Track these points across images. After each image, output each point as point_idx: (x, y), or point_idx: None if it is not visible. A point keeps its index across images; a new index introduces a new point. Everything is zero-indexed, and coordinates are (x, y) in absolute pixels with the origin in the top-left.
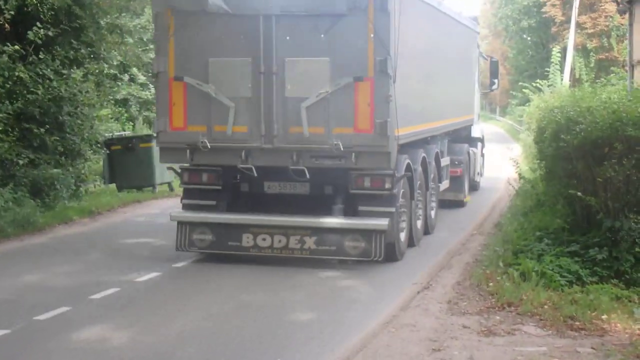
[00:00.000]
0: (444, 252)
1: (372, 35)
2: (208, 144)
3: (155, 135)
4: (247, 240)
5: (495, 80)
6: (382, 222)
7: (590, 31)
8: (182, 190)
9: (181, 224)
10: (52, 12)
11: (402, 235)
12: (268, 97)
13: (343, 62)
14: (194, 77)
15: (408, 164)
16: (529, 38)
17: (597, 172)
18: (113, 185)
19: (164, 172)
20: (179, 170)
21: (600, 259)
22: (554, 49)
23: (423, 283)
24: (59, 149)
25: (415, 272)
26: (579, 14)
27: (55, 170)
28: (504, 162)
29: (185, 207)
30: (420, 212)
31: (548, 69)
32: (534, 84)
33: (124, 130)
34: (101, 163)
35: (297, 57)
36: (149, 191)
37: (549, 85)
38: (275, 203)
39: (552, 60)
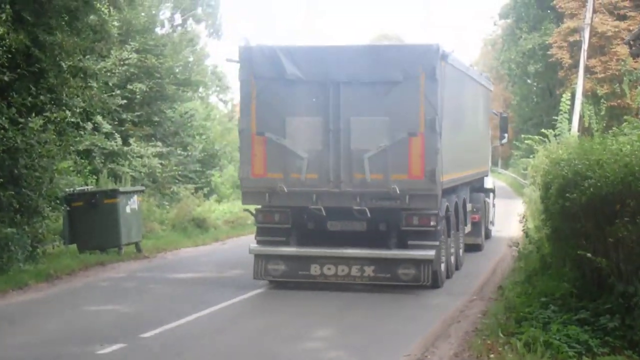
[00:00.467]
0: (440, 319)
1: (422, 98)
2: (285, 189)
3: (239, 180)
4: (314, 269)
5: (505, 135)
6: (430, 253)
7: (600, 76)
8: (256, 229)
9: (258, 256)
10: (9, 55)
11: (442, 266)
12: (336, 149)
13: (399, 121)
14: (273, 132)
15: (447, 206)
16: (534, 83)
17: (608, 231)
18: (74, 246)
19: (130, 231)
20: (254, 212)
21: (612, 328)
22: (563, 95)
23: (417, 355)
24: (13, 206)
25: (409, 340)
26: (588, 57)
27: (9, 229)
28: (506, 219)
29: (259, 243)
30: (453, 249)
31: (556, 117)
32: (541, 133)
33: (87, 185)
34: (61, 221)
35: (360, 117)
36: (114, 252)
37: (555, 135)
38: (336, 239)
39: (560, 107)
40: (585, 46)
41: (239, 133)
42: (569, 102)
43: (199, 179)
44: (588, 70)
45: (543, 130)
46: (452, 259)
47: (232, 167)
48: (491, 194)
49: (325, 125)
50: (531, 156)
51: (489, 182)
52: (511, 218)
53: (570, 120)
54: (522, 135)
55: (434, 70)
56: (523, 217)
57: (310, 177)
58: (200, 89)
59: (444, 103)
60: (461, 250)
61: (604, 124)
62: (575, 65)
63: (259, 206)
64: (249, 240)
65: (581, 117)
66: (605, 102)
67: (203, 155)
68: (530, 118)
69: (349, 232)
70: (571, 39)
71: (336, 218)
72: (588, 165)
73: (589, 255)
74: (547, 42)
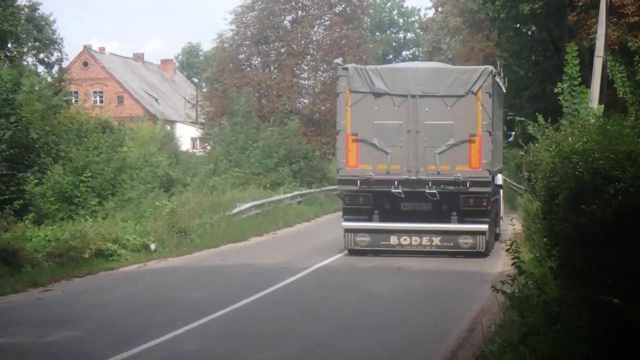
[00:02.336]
0: None
1: (480, 108)
2: (374, 177)
3: (337, 171)
4: (393, 240)
5: (512, 133)
6: (484, 227)
7: (634, 19)
8: (343, 210)
9: (348, 230)
10: None
11: (491, 238)
12: (413, 146)
13: (462, 125)
14: (364, 133)
15: (494, 191)
16: (529, 33)
17: None
18: None
19: None
20: (342, 196)
21: None
22: (568, 49)
23: None
24: None
25: None
26: None
27: None
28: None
29: (346, 221)
30: (495, 224)
31: (560, 88)
32: (541, 111)
33: None
34: None
35: (432, 121)
36: None
37: (564, 115)
38: (408, 217)
39: (565, 69)
40: None
41: (337, 133)
42: (576, 61)
43: (5, 187)
44: (614, 10)
45: (538, 114)
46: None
47: (60, 168)
48: (501, 190)
49: (406, 128)
50: (525, 148)
51: (499, 179)
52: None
53: (583, 91)
54: (513, 117)
55: (489, 87)
56: (513, 243)
57: (393, 167)
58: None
59: (494, 111)
60: (501, 226)
61: (638, 96)
62: (595, 6)
63: (342, 193)
64: (90, 285)
65: (604, 84)
66: None
67: (11, 150)
68: (526, 87)
69: (418, 212)
70: None
71: (409, 200)
72: (615, 161)
73: (616, 301)
74: None
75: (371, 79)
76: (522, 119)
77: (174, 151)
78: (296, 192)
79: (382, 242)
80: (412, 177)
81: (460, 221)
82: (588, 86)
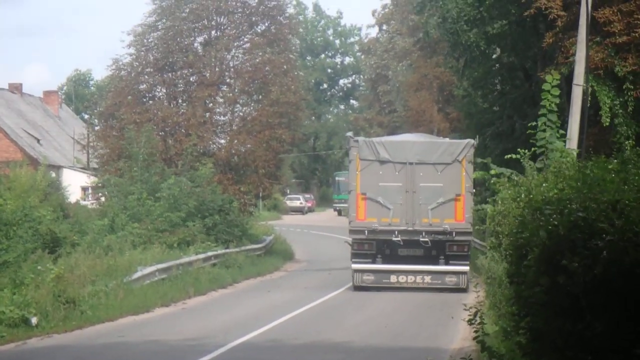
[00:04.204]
0: None
1: (464, 173)
2: (378, 227)
3: (349, 222)
4: (393, 279)
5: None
6: (465, 268)
7: (622, 40)
8: (351, 254)
9: (356, 271)
10: None
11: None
12: (411, 203)
13: (449, 187)
14: (371, 192)
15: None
16: (494, 56)
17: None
18: None
19: None
20: (350, 243)
21: None
22: (549, 79)
23: None
24: None
25: None
26: (599, 5)
27: None
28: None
29: (354, 263)
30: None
31: (535, 123)
32: (508, 153)
33: None
34: None
35: (426, 183)
36: None
37: (537, 154)
38: (404, 260)
39: (542, 102)
40: None
41: (349, 192)
42: (557, 92)
43: None
44: (598, 29)
45: (511, 155)
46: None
47: None
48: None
49: (404, 188)
50: (489, 199)
51: None
52: (456, 313)
53: (560, 126)
54: (476, 160)
55: (470, 156)
56: (476, 314)
57: (394, 220)
58: None
59: (472, 176)
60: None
61: (633, 129)
62: (574, 23)
63: (350, 240)
64: None
65: (585, 119)
66: (631, 87)
67: None
68: (491, 123)
69: (412, 256)
70: None
71: (405, 246)
72: (599, 212)
73: None
74: None
75: (377, 149)
76: (486, 160)
77: (60, 203)
78: (210, 253)
79: (384, 280)
80: (409, 228)
81: (447, 263)
82: (565, 120)
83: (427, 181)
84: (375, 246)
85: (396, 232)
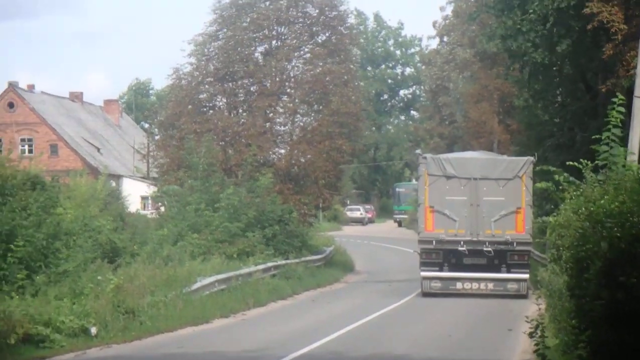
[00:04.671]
0: None
1: (524, 188)
2: (445, 238)
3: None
4: (459, 285)
5: None
6: (525, 276)
7: None
8: (419, 263)
9: (425, 278)
10: None
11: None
12: (475, 216)
13: (510, 200)
14: (438, 206)
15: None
16: (555, 69)
17: None
18: None
19: None
20: (419, 252)
21: None
22: (616, 98)
23: None
24: None
25: None
26: None
27: None
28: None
29: (423, 271)
30: None
31: (598, 136)
32: (568, 165)
33: None
34: None
35: (489, 197)
36: None
37: (599, 168)
38: (469, 268)
39: (610, 118)
40: None
41: (418, 206)
42: (623, 110)
43: None
44: None
45: (571, 162)
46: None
47: None
48: None
49: (469, 202)
50: (553, 213)
51: None
52: (518, 325)
53: (623, 140)
54: (537, 167)
55: (530, 172)
56: (537, 326)
57: (459, 231)
58: None
59: (532, 188)
60: None
61: None
62: (635, 35)
63: (418, 249)
64: None
65: None
66: None
67: None
68: (552, 134)
69: (476, 264)
70: None
71: (470, 256)
72: None
73: None
74: None
75: (444, 166)
76: (551, 167)
77: (120, 213)
78: (270, 264)
79: (450, 287)
80: (474, 239)
81: (508, 272)
82: (627, 133)
83: (490, 195)
84: (442, 255)
85: (461, 242)
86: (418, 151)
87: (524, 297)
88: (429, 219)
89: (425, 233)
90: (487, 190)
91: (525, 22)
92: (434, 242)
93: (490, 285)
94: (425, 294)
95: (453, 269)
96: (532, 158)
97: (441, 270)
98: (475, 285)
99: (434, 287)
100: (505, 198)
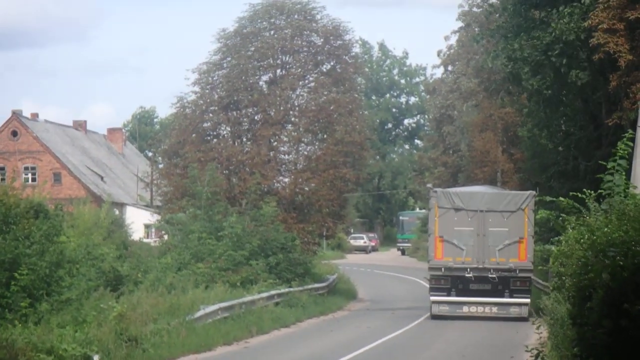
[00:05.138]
0: None
1: (526, 219)
2: (453, 265)
3: (428, 261)
4: (465, 309)
5: None
6: (527, 300)
7: None
8: (429, 288)
9: (434, 302)
10: None
11: None
12: (481, 245)
13: (514, 231)
14: (447, 235)
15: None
16: (562, 98)
17: None
18: None
19: None
20: (429, 279)
21: None
22: (627, 138)
23: None
24: None
25: None
26: None
27: None
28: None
29: (432, 296)
30: None
31: (603, 162)
32: (572, 196)
33: None
34: None
35: (494, 228)
36: None
37: (602, 196)
38: (474, 293)
39: (618, 149)
40: None
41: (428, 236)
42: (631, 143)
43: None
44: None
45: (574, 193)
46: None
47: None
48: None
49: (476, 232)
50: (553, 239)
51: None
52: (517, 354)
53: (628, 169)
54: (537, 198)
55: (532, 205)
56: (538, 355)
57: (467, 259)
58: None
59: (534, 219)
60: None
61: None
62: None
63: (428, 276)
64: None
65: None
66: None
67: None
68: (556, 163)
69: (481, 290)
70: (632, 14)
71: (476, 282)
72: None
73: None
74: (584, 25)
75: (453, 199)
76: (550, 197)
77: (123, 241)
78: (273, 292)
79: (457, 310)
80: (480, 266)
81: (511, 296)
82: (630, 164)
83: (495, 226)
84: (450, 281)
85: (468, 269)
86: (429, 185)
87: (525, 319)
88: (438, 248)
89: (435, 261)
90: (492, 222)
91: (528, 47)
92: (442, 269)
93: (495, 309)
94: (435, 317)
95: (460, 293)
96: (534, 192)
97: (449, 294)
98: (480, 308)
99: (442, 310)
100: (509, 229)
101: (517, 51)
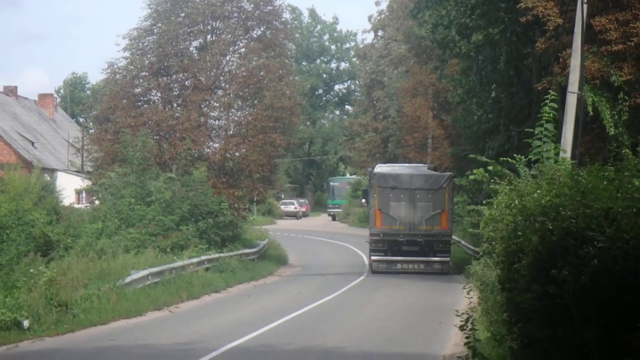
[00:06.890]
0: None
1: (447, 196)
2: (389, 232)
3: (369, 229)
4: (399, 266)
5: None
6: (447, 258)
7: (617, 47)
8: (369, 249)
9: (374, 261)
10: None
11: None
12: (412, 216)
13: (437, 204)
14: (385, 208)
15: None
16: (486, 65)
17: (630, 341)
18: None
19: None
20: (369, 242)
21: None
22: (550, 93)
23: None
24: None
25: None
26: (594, 14)
27: None
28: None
29: (372, 256)
30: None
31: (531, 129)
32: (502, 161)
33: None
34: None
35: (421, 203)
36: None
37: (531, 163)
38: (406, 253)
39: (542, 113)
40: None
41: (369, 209)
42: (556, 105)
43: None
44: (594, 37)
45: (506, 159)
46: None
47: None
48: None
49: (407, 206)
50: (484, 201)
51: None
52: (446, 319)
53: (555, 136)
54: (471, 157)
55: (451, 184)
56: (468, 319)
57: (400, 227)
58: None
59: (452, 196)
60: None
61: (624, 137)
62: (570, 30)
63: (369, 240)
64: None
65: (579, 128)
66: (626, 97)
67: None
68: (485, 132)
69: (411, 250)
70: None
71: (407, 245)
72: (590, 218)
73: None
74: None
75: (388, 180)
76: (484, 158)
77: (54, 207)
78: (203, 257)
79: (392, 267)
80: (410, 232)
81: (434, 256)
82: (560, 130)
83: (422, 201)
84: (387, 244)
85: (401, 235)
86: (370, 169)
87: (447, 273)
88: (377, 218)
89: (375, 228)
90: (420, 197)
91: (452, 11)
92: (381, 234)
93: (422, 266)
94: (374, 273)
95: (394, 254)
96: (452, 174)
97: (386, 255)
98: (410, 265)
99: (380, 267)
100: (433, 203)
101: (445, 18)
